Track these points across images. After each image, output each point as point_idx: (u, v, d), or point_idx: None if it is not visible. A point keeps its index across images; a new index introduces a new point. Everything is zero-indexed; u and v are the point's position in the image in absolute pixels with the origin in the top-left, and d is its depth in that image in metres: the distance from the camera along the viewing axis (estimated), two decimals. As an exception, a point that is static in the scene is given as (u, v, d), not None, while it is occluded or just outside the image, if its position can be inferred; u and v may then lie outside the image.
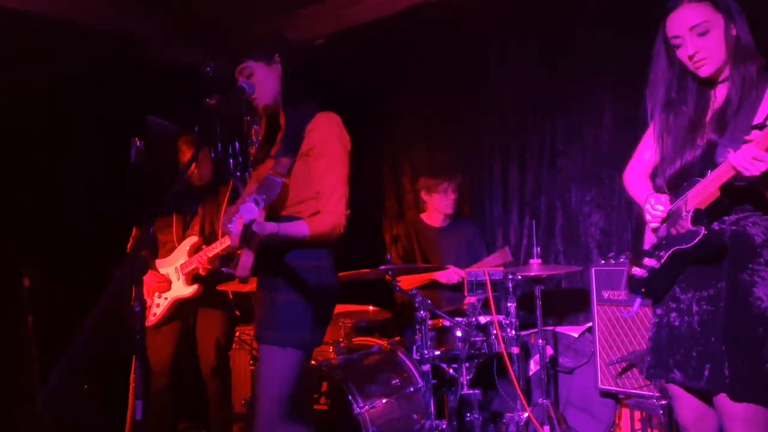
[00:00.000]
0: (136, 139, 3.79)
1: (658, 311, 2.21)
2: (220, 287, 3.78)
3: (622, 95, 4.19)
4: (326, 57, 4.82)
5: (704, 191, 2.02)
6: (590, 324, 3.73)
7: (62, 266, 4.12)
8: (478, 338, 3.54)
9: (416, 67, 5.02)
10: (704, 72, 2.10)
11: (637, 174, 2.39)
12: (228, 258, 3.68)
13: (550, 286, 4.42)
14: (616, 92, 4.22)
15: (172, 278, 3.73)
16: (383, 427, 3.31)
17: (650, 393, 3.31)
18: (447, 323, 3.57)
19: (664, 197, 2.17)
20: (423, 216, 4.46)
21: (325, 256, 2.46)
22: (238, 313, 4.05)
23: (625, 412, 3.60)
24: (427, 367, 3.42)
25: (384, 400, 3.38)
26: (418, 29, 4.79)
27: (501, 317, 3.56)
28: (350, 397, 3.25)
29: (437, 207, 4.35)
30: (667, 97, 2.20)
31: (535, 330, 3.74)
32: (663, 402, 3.17)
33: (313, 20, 4.99)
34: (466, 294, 3.73)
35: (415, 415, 3.46)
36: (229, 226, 2.08)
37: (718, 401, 2.03)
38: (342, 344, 3.83)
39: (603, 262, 3.75)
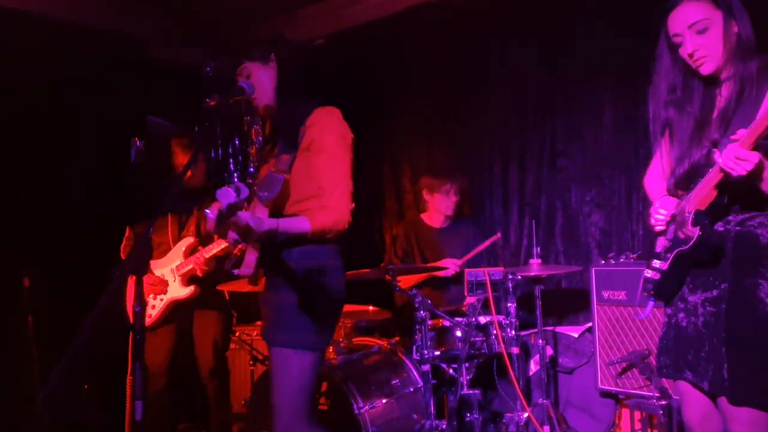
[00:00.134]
0: (136, 139, 3.79)
1: (668, 311, 2.21)
2: (220, 287, 3.78)
3: (622, 95, 4.19)
4: (326, 57, 4.82)
5: (701, 192, 2.01)
6: (590, 324, 3.73)
7: (62, 266, 4.12)
8: (478, 338, 3.53)
9: (416, 67, 5.02)
10: (705, 70, 2.08)
11: (655, 177, 2.36)
12: (226, 258, 3.68)
13: (550, 286, 4.42)
14: (616, 92, 4.22)
15: (168, 279, 3.72)
16: (383, 427, 3.31)
17: (650, 393, 3.31)
18: (447, 323, 3.57)
19: (672, 200, 2.16)
20: (423, 216, 4.46)
21: (333, 256, 2.43)
22: (235, 313, 4.05)
23: (625, 412, 3.60)
24: (427, 367, 3.41)
25: (384, 400, 3.37)
26: (418, 29, 4.78)
27: (501, 317, 3.56)
28: (350, 398, 3.25)
29: (438, 208, 4.35)
30: (672, 96, 2.18)
31: (535, 330, 3.74)
32: (663, 402, 3.17)
33: (313, 20, 5.00)
34: (466, 294, 3.73)
35: (415, 415, 3.46)
36: (206, 211, 2.02)
37: (720, 403, 2.02)
38: (342, 344, 3.83)
39: (603, 262, 3.75)
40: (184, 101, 4.74)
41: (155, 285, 3.69)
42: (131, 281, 3.78)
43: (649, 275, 2.21)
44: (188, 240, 3.76)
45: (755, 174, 1.88)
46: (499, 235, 4.29)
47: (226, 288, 3.80)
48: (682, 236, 2.08)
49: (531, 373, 3.89)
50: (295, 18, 5.05)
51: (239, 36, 5.38)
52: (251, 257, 2.23)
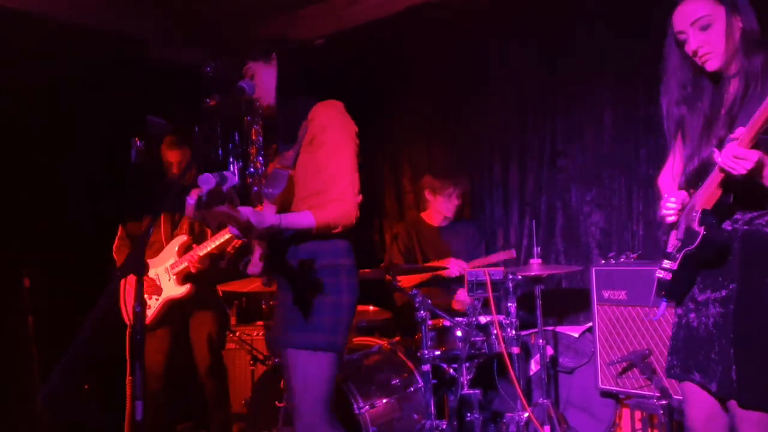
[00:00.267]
0: (136, 139, 3.80)
1: (679, 311, 2.19)
2: (221, 287, 3.78)
3: (622, 95, 4.19)
4: (326, 57, 4.82)
5: (707, 190, 2.00)
6: (590, 324, 3.73)
7: (62, 266, 4.12)
8: (478, 338, 3.53)
9: (416, 67, 5.02)
10: (710, 66, 2.06)
11: (668, 176, 2.34)
12: (220, 257, 3.68)
13: (550, 285, 4.42)
14: (616, 92, 4.22)
15: (162, 279, 3.71)
16: (383, 427, 3.31)
17: (651, 393, 3.31)
18: (447, 323, 3.57)
19: (681, 192, 2.13)
20: (423, 215, 4.46)
21: (344, 254, 2.40)
22: (229, 312, 4.05)
23: (626, 412, 3.60)
24: (427, 367, 3.41)
25: (384, 400, 3.37)
26: (418, 29, 4.78)
27: (501, 317, 3.56)
28: (350, 398, 3.25)
29: (439, 209, 4.35)
30: (683, 93, 2.16)
31: (536, 330, 3.74)
32: (663, 402, 3.17)
33: (313, 20, 4.99)
34: (464, 293, 3.73)
35: (415, 415, 3.46)
36: (187, 197, 1.99)
37: (729, 405, 2.01)
38: (342, 344, 3.82)
39: (603, 261, 3.74)
40: (184, 101, 4.75)
41: (150, 285, 3.68)
42: (125, 282, 3.78)
43: (660, 276, 2.18)
44: (182, 238, 3.75)
45: (755, 172, 1.86)
46: (513, 252, 4.27)
47: (226, 288, 3.80)
48: (689, 235, 2.06)
49: (531, 373, 3.89)
50: (295, 18, 5.05)
51: (239, 36, 5.38)
52: (258, 256, 2.22)
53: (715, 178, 1.97)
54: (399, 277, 3.66)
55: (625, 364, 3.48)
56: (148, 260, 3.75)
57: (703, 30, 2.04)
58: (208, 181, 1.94)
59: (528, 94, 4.57)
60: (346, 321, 2.39)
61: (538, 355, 3.72)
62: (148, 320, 3.68)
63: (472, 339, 3.51)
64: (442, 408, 3.70)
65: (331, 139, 2.36)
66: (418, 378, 3.51)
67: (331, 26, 4.97)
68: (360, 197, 2.38)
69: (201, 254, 3.62)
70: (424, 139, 5.11)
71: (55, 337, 3.59)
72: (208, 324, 3.83)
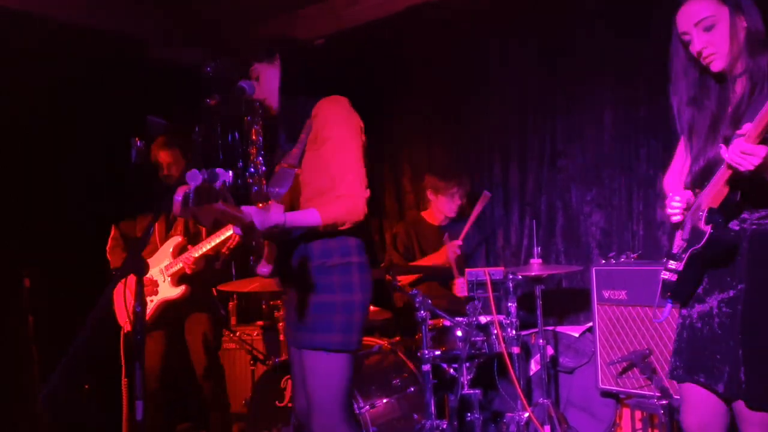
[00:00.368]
0: (137, 139, 3.80)
1: (683, 313, 2.17)
2: (222, 287, 3.77)
3: (622, 95, 4.19)
4: (327, 56, 4.82)
5: (713, 189, 1.98)
6: (591, 324, 3.73)
7: (62, 266, 4.12)
8: (478, 338, 3.53)
9: (416, 67, 5.02)
10: (715, 67, 2.06)
11: (674, 177, 2.33)
12: (215, 258, 3.67)
13: (550, 285, 4.42)
14: (616, 92, 4.22)
15: (158, 280, 3.70)
16: (384, 427, 3.31)
17: (651, 393, 3.31)
18: (447, 323, 3.57)
19: (686, 192, 2.12)
20: (424, 214, 4.46)
21: (357, 251, 2.36)
22: (223, 312, 4.04)
23: (626, 411, 3.60)
24: (427, 367, 3.41)
25: (384, 400, 3.37)
26: (418, 29, 4.78)
27: (501, 317, 3.55)
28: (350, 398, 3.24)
29: (441, 209, 4.34)
30: (691, 93, 2.15)
31: (536, 330, 3.74)
32: (664, 402, 3.17)
33: (313, 20, 4.99)
34: (466, 293, 3.73)
35: (415, 415, 3.46)
36: (175, 195, 1.96)
37: (736, 406, 2.00)
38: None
39: (604, 261, 3.74)
40: (184, 101, 4.76)
41: (145, 287, 3.66)
42: (119, 284, 3.77)
43: (666, 277, 2.17)
44: (176, 239, 3.74)
45: (763, 168, 1.85)
46: (487, 194, 4.24)
47: (227, 288, 3.80)
48: (694, 235, 2.05)
49: (531, 373, 3.89)
50: (295, 18, 5.05)
51: (239, 36, 5.38)
52: (269, 257, 2.21)
53: (722, 176, 1.95)
54: (398, 278, 3.65)
55: (625, 364, 3.48)
56: None
57: (707, 31, 2.03)
58: (195, 177, 1.91)
59: (528, 94, 4.57)
60: (360, 320, 2.34)
61: (539, 355, 3.72)
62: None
63: (473, 339, 3.51)
64: (442, 408, 3.70)
65: (335, 135, 2.33)
66: (419, 378, 3.51)
67: (331, 26, 4.97)
68: (368, 192, 2.34)
69: (196, 255, 3.61)
70: (424, 139, 5.11)
71: (55, 337, 3.59)
72: (203, 325, 3.82)
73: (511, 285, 3.60)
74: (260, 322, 4.85)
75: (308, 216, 2.26)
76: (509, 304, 3.58)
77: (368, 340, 4.02)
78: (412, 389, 3.50)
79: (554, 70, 4.42)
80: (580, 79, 4.34)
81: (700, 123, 2.12)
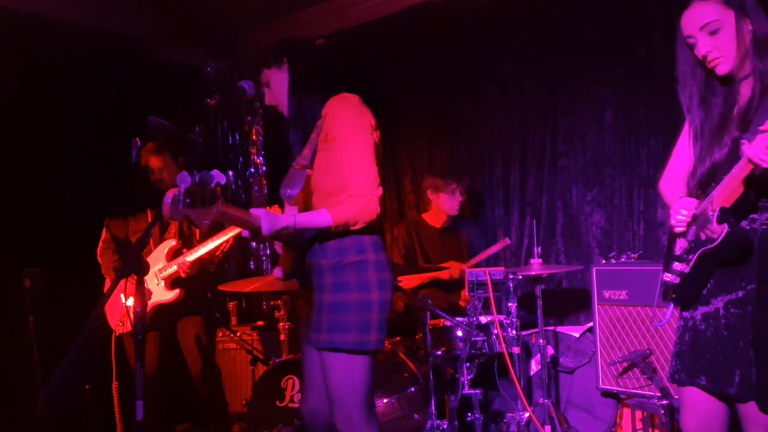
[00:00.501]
0: (137, 139, 3.79)
1: (685, 315, 2.14)
2: (222, 287, 3.77)
3: (622, 95, 4.19)
4: (334, 55, 4.83)
5: (727, 188, 1.94)
6: (591, 324, 3.73)
7: (62, 266, 4.11)
8: (479, 338, 3.53)
9: (417, 66, 5.02)
10: (720, 70, 2.04)
11: (672, 180, 2.30)
12: (210, 261, 3.67)
13: (551, 285, 4.42)
14: (616, 92, 4.22)
15: (151, 283, 3.69)
16: (384, 427, 3.30)
17: (651, 393, 3.31)
18: (448, 323, 3.56)
19: (692, 201, 2.09)
20: (425, 216, 4.45)
21: (370, 249, 2.32)
22: (218, 315, 4.03)
23: (627, 412, 3.60)
24: (427, 367, 3.41)
25: (385, 400, 3.37)
26: (418, 29, 4.78)
27: (502, 317, 3.55)
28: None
29: (443, 207, 4.34)
30: (696, 94, 2.13)
31: (536, 330, 3.74)
32: (664, 402, 3.17)
33: (315, 20, 4.99)
34: (465, 293, 3.73)
35: (416, 415, 3.46)
36: (164, 197, 1.94)
37: (744, 407, 1.98)
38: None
39: (604, 261, 3.74)
40: (184, 101, 4.76)
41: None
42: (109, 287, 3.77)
43: (668, 279, 2.14)
44: (170, 242, 3.72)
45: None
46: (507, 240, 4.27)
47: (228, 288, 3.79)
48: (704, 237, 2.02)
49: (532, 373, 3.89)
50: (296, 18, 5.05)
51: (240, 36, 5.39)
52: (285, 258, 2.20)
53: (738, 174, 1.91)
54: (398, 278, 3.65)
55: (625, 364, 3.48)
56: None
57: (712, 35, 2.01)
58: (184, 179, 1.89)
59: (528, 94, 4.57)
60: (378, 318, 2.29)
61: (539, 355, 3.71)
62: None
63: (473, 339, 3.51)
64: (442, 408, 3.70)
65: (344, 134, 2.30)
66: (419, 378, 3.51)
67: (332, 26, 4.97)
68: (380, 191, 2.31)
69: (191, 260, 3.60)
70: (425, 138, 5.11)
71: (55, 337, 3.58)
72: (196, 328, 3.79)
73: (511, 285, 3.60)
74: (260, 322, 4.85)
75: (319, 217, 2.23)
76: (509, 304, 3.58)
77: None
78: (413, 389, 3.50)
79: (554, 70, 4.42)
80: (580, 79, 4.34)
81: (707, 124, 2.10)
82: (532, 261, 3.69)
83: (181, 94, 4.89)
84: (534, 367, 3.88)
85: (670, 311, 2.19)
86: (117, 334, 3.68)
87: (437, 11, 4.61)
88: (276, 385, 3.51)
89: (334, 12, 4.94)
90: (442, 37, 4.79)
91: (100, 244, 3.88)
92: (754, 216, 2.00)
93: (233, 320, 4.90)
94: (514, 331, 3.55)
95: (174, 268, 3.63)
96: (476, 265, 4.23)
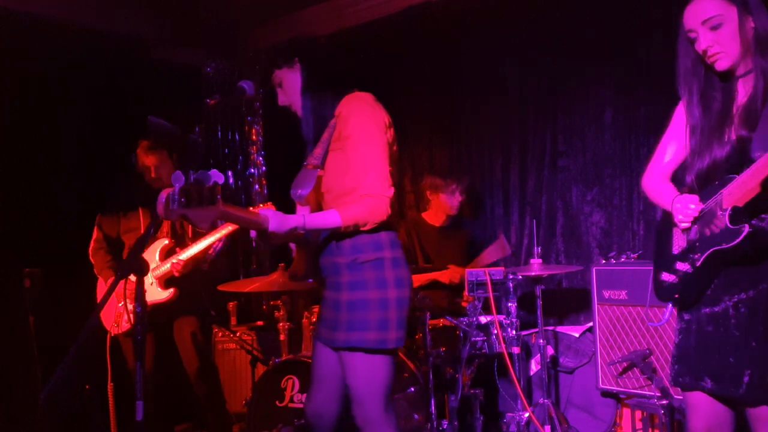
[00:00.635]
0: (137, 139, 3.80)
1: (686, 317, 2.12)
2: (222, 287, 3.76)
3: (622, 95, 4.19)
4: (345, 52, 4.84)
5: (742, 188, 1.92)
6: (591, 324, 3.73)
7: (62, 266, 4.11)
8: (478, 338, 3.53)
9: (417, 66, 5.02)
10: (720, 66, 2.03)
11: (657, 177, 2.29)
12: (203, 259, 3.66)
13: (550, 285, 4.42)
14: (616, 92, 4.22)
15: (145, 283, 3.67)
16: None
17: (651, 393, 3.31)
18: (447, 323, 3.56)
19: (694, 197, 2.07)
20: (424, 215, 4.45)
21: (387, 246, 2.29)
22: (213, 313, 4.03)
23: (626, 412, 3.60)
24: (427, 368, 3.41)
25: (385, 400, 3.36)
26: (418, 29, 4.78)
27: (502, 317, 3.56)
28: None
29: (442, 207, 4.34)
30: (697, 90, 2.12)
31: (536, 330, 3.74)
32: (664, 402, 3.17)
33: (315, 20, 4.99)
34: (466, 294, 3.73)
35: (416, 416, 3.46)
36: (159, 197, 1.92)
37: (757, 410, 1.96)
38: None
39: (604, 261, 3.75)
40: (184, 101, 4.76)
41: (131, 290, 3.61)
42: (104, 287, 3.77)
43: (668, 279, 2.12)
44: (163, 241, 3.71)
45: None
46: (508, 250, 4.27)
47: (228, 288, 3.79)
48: (710, 234, 2.00)
49: (532, 373, 3.89)
50: (296, 18, 5.05)
51: (240, 36, 5.39)
52: (299, 258, 2.19)
53: (756, 175, 1.89)
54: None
55: (625, 364, 3.48)
56: None
57: (714, 30, 2.01)
58: (178, 178, 1.88)
59: (528, 94, 4.57)
60: (396, 316, 2.26)
61: (539, 355, 3.72)
62: (129, 325, 3.64)
63: (473, 339, 3.51)
64: (442, 408, 3.69)
65: (357, 132, 2.27)
66: (419, 378, 3.51)
67: (333, 26, 4.96)
68: (392, 191, 2.27)
69: (185, 259, 3.59)
70: (425, 138, 5.11)
71: (55, 337, 3.58)
72: (191, 327, 3.79)
73: (511, 285, 3.60)
74: (260, 322, 4.85)
75: (328, 217, 2.21)
76: (509, 304, 3.59)
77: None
78: (413, 389, 3.50)
79: (554, 70, 4.42)
80: (580, 79, 4.34)
81: (706, 120, 2.09)
82: (532, 261, 3.69)
83: (181, 94, 4.89)
84: (534, 367, 3.88)
85: (669, 311, 2.18)
86: (112, 335, 3.67)
87: (437, 11, 4.62)
88: (276, 385, 3.51)
89: (334, 12, 4.93)
90: (442, 37, 4.79)
91: (92, 243, 3.86)
92: (764, 216, 1.96)
93: (233, 320, 4.89)
94: (514, 331, 3.55)
95: (167, 267, 3.62)
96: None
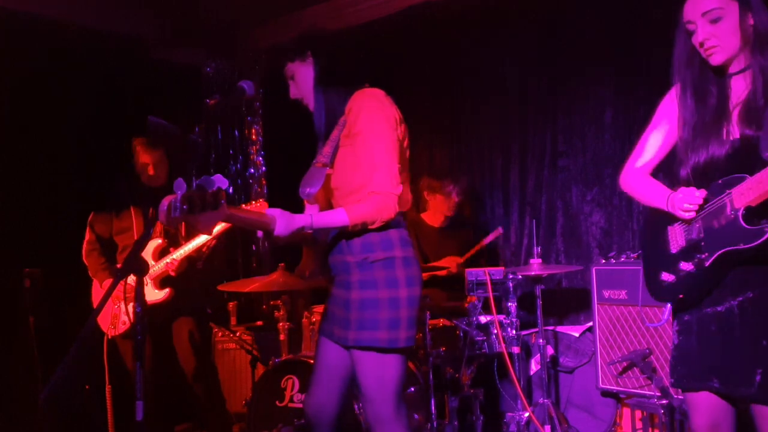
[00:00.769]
0: (138, 139, 3.79)
1: (686, 317, 2.10)
2: (221, 287, 3.76)
3: (622, 95, 4.19)
4: (357, 47, 4.83)
5: (758, 188, 1.88)
6: (591, 323, 3.73)
7: (62, 266, 4.12)
8: (478, 338, 3.53)
9: (417, 66, 5.02)
10: (714, 60, 2.02)
11: (640, 173, 2.28)
12: (197, 258, 3.66)
13: (550, 285, 4.42)
14: (616, 92, 4.22)
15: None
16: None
17: (651, 392, 3.31)
18: (447, 323, 3.57)
19: (693, 190, 2.03)
20: (423, 215, 4.46)
21: (397, 244, 2.27)
22: (210, 311, 4.02)
23: (626, 411, 3.60)
24: (427, 367, 3.41)
25: (385, 400, 3.36)
26: (419, 29, 4.78)
27: (502, 317, 3.56)
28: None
29: (439, 208, 4.35)
30: (691, 82, 2.10)
31: (536, 329, 3.74)
32: (664, 401, 3.17)
33: (316, 20, 4.99)
34: (466, 293, 3.73)
35: (416, 416, 3.46)
36: (160, 204, 1.90)
37: (764, 408, 1.95)
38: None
39: (604, 261, 3.74)
40: (184, 101, 4.76)
41: (127, 291, 3.59)
42: (99, 289, 3.76)
43: (668, 279, 2.10)
44: (156, 241, 3.70)
45: None
46: (500, 230, 4.28)
47: (228, 288, 3.79)
48: (718, 234, 1.97)
49: (532, 373, 3.89)
50: (296, 18, 5.04)
51: (240, 36, 5.39)
52: (307, 257, 2.18)
53: None
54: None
55: (625, 364, 3.48)
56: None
57: (713, 23, 1.99)
58: (180, 186, 1.86)
59: (528, 94, 4.57)
60: (407, 315, 2.25)
61: (539, 354, 3.72)
62: (125, 327, 3.63)
63: (473, 339, 3.51)
64: (442, 408, 3.70)
65: (367, 129, 2.25)
66: (419, 378, 3.51)
67: (332, 26, 4.96)
68: (400, 188, 2.25)
69: (179, 258, 3.58)
70: (424, 139, 5.11)
71: (55, 337, 3.58)
72: (188, 326, 3.78)
73: (511, 285, 3.60)
74: (260, 322, 4.85)
75: (335, 216, 2.20)
76: (509, 303, 3.59)
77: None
78: (413, 389, 3.50)
79: (554, 70, 4.42)
80: (580, 79, 4.34)
81: (700, 114, 2.07)
82: (531, 261, 3.69)
83: (181, 94, 4.89)
84: (534, 366, 3.88)
85: (668, 311, 2.16)
86: (109, 337, 3.67)
87: (437, 11, 4.61)
88: (276, 385, 3.51)
89: (334, 12, 4.93)
90: (442, 37, 4.79)
91: (85, 245, 3.84)
92: None
93: (233, 320, 4.89)
94: (514, 331, 3.55)
95: (161, 267, 3.62)
96: (474, 263, 4.24)
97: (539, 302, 3.68)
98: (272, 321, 4.58)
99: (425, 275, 4.13)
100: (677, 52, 2.13)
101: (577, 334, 3.89)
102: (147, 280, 3.63)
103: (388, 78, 5.09)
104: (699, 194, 2.01)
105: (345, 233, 2.27)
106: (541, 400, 3.61)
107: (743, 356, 1.97)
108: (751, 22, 2.00)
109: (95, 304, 3.70)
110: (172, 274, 3.59)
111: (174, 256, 3.59)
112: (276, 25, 5.15)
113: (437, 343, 3.56)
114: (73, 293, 3.95)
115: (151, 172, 3.74)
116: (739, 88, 2.05)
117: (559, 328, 3.99)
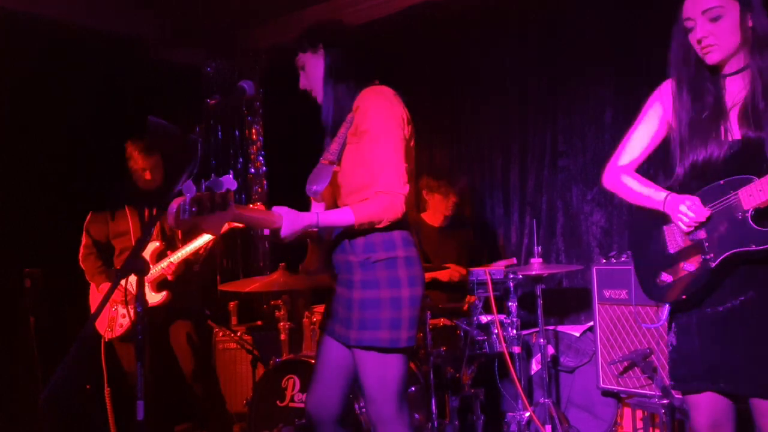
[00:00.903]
0: (133, 143, 3.79)
1: (685, 318, 2.09)
2: (222, 287, 3.76)
3: (622, 95, 4.19)
4: (370, 41, 4.82)
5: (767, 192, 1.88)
6: (591, 323, 3.73)
7: (62, 266, 4.11)
8: (479, 338, 3.53)
9: (417, 66, 5.02)
10: (711, 59, 2.02)
11: (625, 171, 2.27)
12: (194, 260, 3.65)
13: (551, 285, 4.42)
14: (616, 92, 4.22)
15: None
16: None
17: (652, 392, 3.31)
18: (448, 323, 3.56)
19: (693, 198, 2.03)
20: (424, 215, 4.46)
21: (400, 245, 2.26)
22: (208, 312, 4.01)
23: (627, 411, 3.60)
24: (428, 367, 3.41)
25: (385, 400, 3.36)
26: (419, 29, 4.78)
27: (502, 316, 3.56)
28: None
29: (438, 208, 4.35)
30: (687, 79, 2.09)
31: (537, 329, 3.74)
32: (665, 401, 3.17)
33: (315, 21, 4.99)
34: (467, 293, 3.73)
35: (416, 415, 3.46)
36: (169, 208, 1.89)
37: (759, 402, 1.95)
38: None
39: (604, 261, 3.74)
40: (184, 101, 4.76)
41: (124, 294, 3.59)
42: (96, 293, 3.76)
43: (668, 280, 2.10)
44: (153, 244, 3.68)
45: None
46: (514, 260, 4.28)
47: (228, 288, 3.79)
48: (726, 236, 1.96)
49: (532, 373, 3.89)
50: (296, 18, 5.04)
51: (241, 37, 5.39)
52: (312, 255, 2.18)
53: None
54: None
55: (626, 364, 3.48)
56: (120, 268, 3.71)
57: (713, 21, 1.99)
58: (189, 188, 1.85)
59: (528, 94, 4.57)
60: (409, 315, 2.24)
61: (539, 354, 3.72)
62: (122, 329, 3.64)
63: (474, 339, 3.51)
64: (443, 408, 3.69)
65: (375, 127, 2.25)
66: (419, 377, 3.51)
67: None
68: (407, 188, 2.25)
69: (177, 261, 3.57)
70: (425, 139, 5.11)
71: (55, 337, 3.58)
72: (186, 328, 3.77)
73: (511, 284, 3.61)
74: (260, 322, 4.85)
75: (342, 215, 2.19)
76: (510, 303, 3.59)
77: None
78: (413, 389, 3.50)
79: (554, 70, 4.42)
80: (580, 79, 4.34)
81: (696, 111, 2.06)
82: (532, 260, 3.69)
83: (181, 94, 4.89)
84: (534, 366, 3.88)
85: (666, 312, 2.15)
86: (106, 339, 3.66)
87: (437, 11, 4.61)
88: (276, 385, 3.51)
89: (334, 12, 4.93)
90: (442, 37, 4.79)
91: (81, 249, 3.83)
92: None
93: (233, 320, 4.89)
94: (515, 331, 3.55)
95: (159, 270, 3.61)
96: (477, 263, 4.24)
97: (540, 302, 3.68)
98: (273, 321, 4.58)
99: (427, 278, 4.14)
100: (674, 49, 2.13)
101: (577, 334, 3.88)
102: (145, 283, 3.62)
103: (388, 78, 5.13)
104: (706, 212, 2.00)
105: (348, 232, 2.27)
106: (541, 400, 3.61)
107: (746, 355, 1.96)
108: (751, 24, 2.00)
109: (93, 308, 3.70)
110: (170, 278, 3.58)
111: (171, 259, 3.58)
112: (276, 25, 5.15)
113: (438, 342, 3.56)
114: (73, 293, 3.94)
115: (147, 176, 3.72)
116: (735, 89, 2.04)
117: (560, 328, 3.99)
